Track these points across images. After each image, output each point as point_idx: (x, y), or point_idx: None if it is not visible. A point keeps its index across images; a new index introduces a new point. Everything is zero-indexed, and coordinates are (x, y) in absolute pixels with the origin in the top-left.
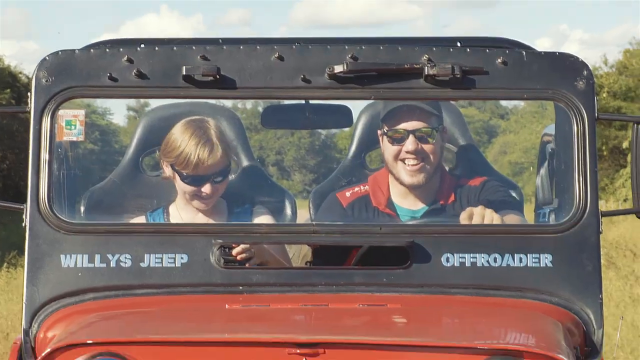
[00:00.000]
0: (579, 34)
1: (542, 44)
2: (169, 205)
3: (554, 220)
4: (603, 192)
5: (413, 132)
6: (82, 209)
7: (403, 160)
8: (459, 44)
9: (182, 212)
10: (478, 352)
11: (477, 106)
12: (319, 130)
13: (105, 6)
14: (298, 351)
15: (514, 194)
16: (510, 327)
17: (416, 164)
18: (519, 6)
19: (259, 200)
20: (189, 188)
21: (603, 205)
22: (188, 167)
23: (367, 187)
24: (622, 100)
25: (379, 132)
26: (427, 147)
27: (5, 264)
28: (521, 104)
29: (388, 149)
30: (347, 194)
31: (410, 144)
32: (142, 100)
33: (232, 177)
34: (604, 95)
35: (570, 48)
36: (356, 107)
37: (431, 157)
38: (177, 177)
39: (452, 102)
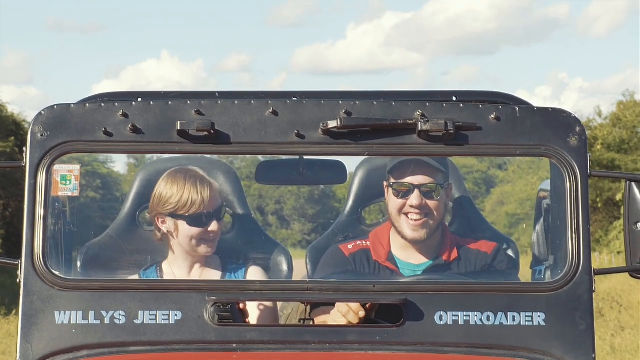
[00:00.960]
0: (579, 82)
1: (541, 92)
2: (162, 262)
3: (549, 278)
4: (597, 244)
5: (419, 187)
6: (78, 264)
7: (407, 214)
8: (454, 98)
9: (175, 269)
10: None
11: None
12: None
13: (106, 51)
14: None
15: (511, 254)
16: None
17: (419, 219)
18: (518, 54)
19: (253, 256)
20: (196, 231)
21: (597, 258)
22: (193, 208)
23: (368, 242)
24: (615, 152)
25: (385, 183)
26: (431, 203)
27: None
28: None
29: (393, 201)
30: (349, 246)
31: (415, 198)
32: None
33: (228, 230)
34: (598, 147)
35: (569, 96)
36: (352, 162)
37: (435, 213)
38: (181, 226)
39: (457, 156)
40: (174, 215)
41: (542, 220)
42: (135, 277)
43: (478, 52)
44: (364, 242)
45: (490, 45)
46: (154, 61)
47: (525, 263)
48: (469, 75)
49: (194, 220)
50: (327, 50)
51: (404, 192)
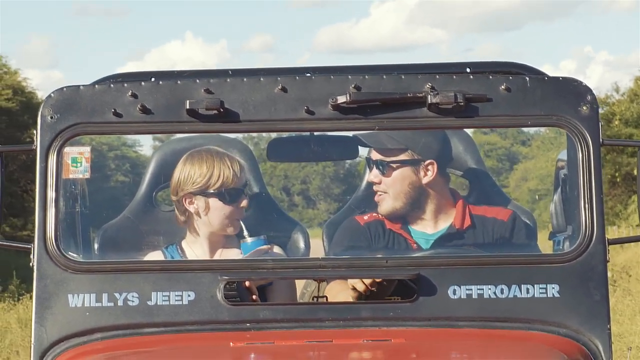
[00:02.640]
0: (604, 55)
1: (566, 67)
2: (181, 242)
3: (567, 249)
4: (617, 217)
5: (375, 162)
6: (95, 246)
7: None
8: (468, 70)
9: (195, 248)
10: None
11: (499, 133)
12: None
13: (129, 34)
14: None
15: (529, 223)
16: None
17: (380, 194)
18: (543, 29)
19: (271, 234)
20: (229, 208)
21: (616, 231)
22: (227, 183)
23: (381, 214)
24: (633, 127)
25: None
26: (389, 179)
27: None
28: (542, 129)
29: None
30: (365, 217)
31: (372, 174)
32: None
33: (246, 210)
34: (616, 122)
35: (595, 70)
36: (364, 137)
37: (398, 187)
38: (211, 204)
39: (468, 128)
40: (205, 193)
41: (559, 190)
42: (157, 255)
43: (502, 28)
44: (378, 215)
45: (514, 20)
46: (178, 43)
47: (544, 236)
48: (493, 51)
49: (227, 196)
50: (350, 29)
51: (369, 168)
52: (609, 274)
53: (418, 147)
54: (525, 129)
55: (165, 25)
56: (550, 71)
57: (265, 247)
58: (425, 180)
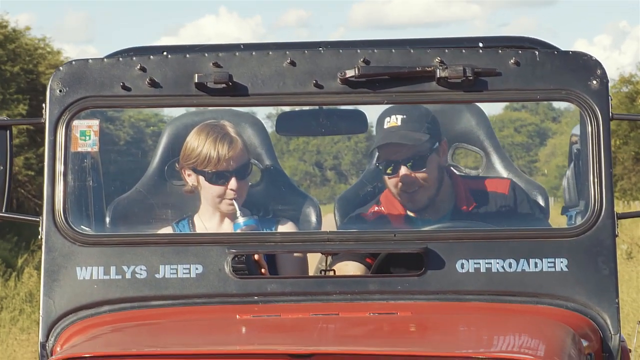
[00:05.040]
0: None
1: (600, 42)
2: (194, 216)
3: (579, 222)
4: None
5: (403, 162)
6: (107, 219)
7: (402, 189)
8: (480, 44)
9: (206, 222)
10: None
11: (529, 109)
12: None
13: (164, 9)
14: None
15: (540, 197)
16: (514, 334)
17: (414, 192)
18: (577, 3)
19: (282, 208)
20: (216, 189)
21: (638, 206)
22: (210, 165)
23: (382, 207)
24: None
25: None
26: (421, 175)
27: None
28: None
29: (386, 179)
30: (370, 213)
31: (403, 176)
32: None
33: (257, 183)
34: None
35: (630, 45)
36: (374, 112)
37: (429, 180)
38: (202, 181)
39: (477, 102)
40: (196, 170)
41: (572, 165)
42: (168, 230)
43: (537, 3)
44: (380, 208)
45: None
46: (212, 17)
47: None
48: (528, 27)
49: (211, 176)
50: (384, 4)
51: (392, 170)
52: (625, 247)
53: (434, 131)
54: (555, 104)
55: (200, 0)
56: (585, 46)
57: (254, 226)
58: (443, 162)
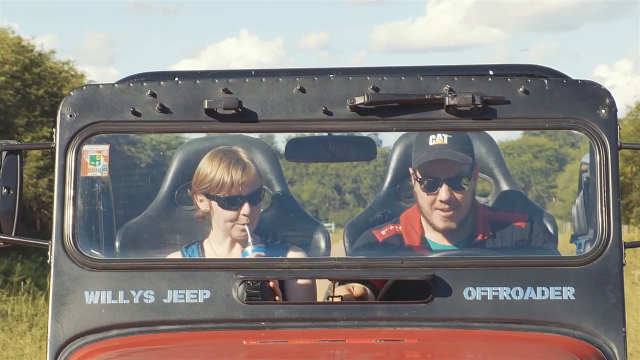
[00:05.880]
0: None
1: (621, 67)
2: (203, 241)
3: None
4: None
5: (447, 181)
6: (116, 244)
7: (437, 208)
8: (490, 72)
9: (216, 247)
10: None
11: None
12: None
13: (185, 31)
14: None
15: (550, 229)
16: None
17: (450, 211)
18: (599, 29)
19: (292, 234)
20: (228, 214)
21: None
22: (224, 190)
23: (400, 226)
24: None
25: (411, 174)
26: (459, 195)
27: None
28: None
29: (422, 196)
30: (383, 232)
31: (444, 193)
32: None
33: (267, 209)
34: None
35: None
36: (388, 138)
37: (464, 201)
38: (214, 206)
39: (486, 130)
40: (208, 195)
41: (581, 193)
42: (177, 255)
43: (558, 27)
44: (396, 227)
45: (570, 20)
46: (233, 40)
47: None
48: (549, 51)
49: (224, 201)
50: (406, 28)
51: (432, 187)
52: (637, 273)
53: (471, 152)
54: (575, 131)
55: (221, 23)
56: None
57: (262, 254)
58: (474, 186)
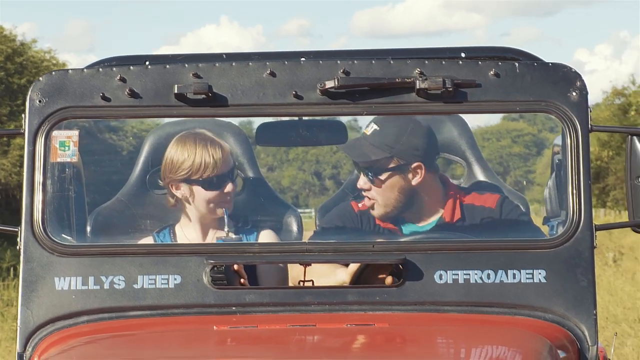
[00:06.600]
0: None
1: (601, 51)
2: (175, 225)
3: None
4: None
5: (362, 170)
6: (87, 229)
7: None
8: (462, 55)
9: (188, 232)
10: None
11: (526, 119)
12: None
13: (165, 18)
14: None
15: (524, 209)
16: (491, 346)
17: (370, 199)
18: (579, 14)
19: (264, 218)
20: (212, 194)
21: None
22: (207, 171)
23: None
24: None
25: None
26: (377, 187)
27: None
28: None
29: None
30: (360, 204)
31: (360, 180)
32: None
33: (239, 193)
34: (632, 113)
35: (631, 55)
36: (348, 149)
37: (389, 191)
38: (197, 190)
39: (458, 114)
40: (188, 180)
41: (553, 175)
42: (149, 240)
43: (539, 12)
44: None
45: (551, 5)
46: (213, 27)
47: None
48: (529, 36)
49: (208, 183)
50: (387, 13)
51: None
52: (611, 254)
53: (403, 151)
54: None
55: (201, 9)
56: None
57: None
58: (414, 182)
